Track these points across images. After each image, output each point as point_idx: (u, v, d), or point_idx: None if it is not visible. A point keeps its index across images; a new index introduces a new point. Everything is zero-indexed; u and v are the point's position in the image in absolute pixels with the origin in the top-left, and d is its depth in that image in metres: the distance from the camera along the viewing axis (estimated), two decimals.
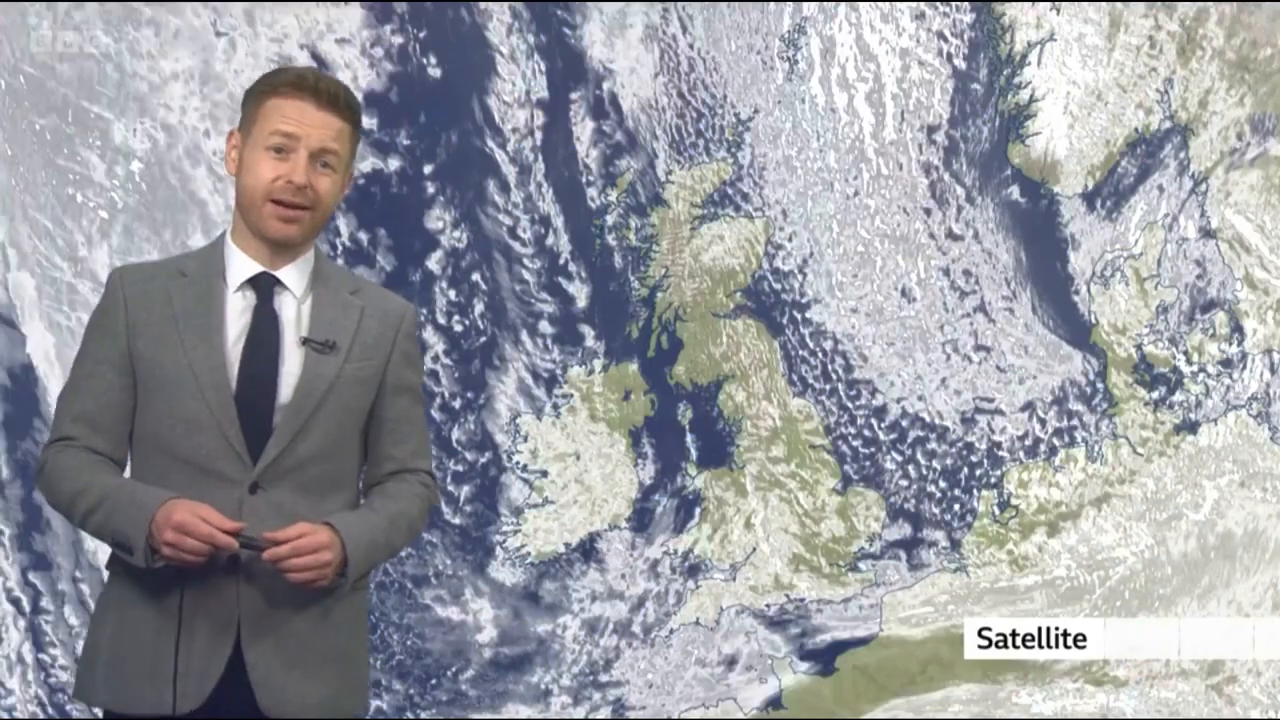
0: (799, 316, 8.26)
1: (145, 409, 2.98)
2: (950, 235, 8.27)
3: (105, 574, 3.16)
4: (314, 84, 3.02)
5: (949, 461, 8.26)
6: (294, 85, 3.01)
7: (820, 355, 8.26)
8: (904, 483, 8.27)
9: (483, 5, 7.90)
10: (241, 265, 3.04)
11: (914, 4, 8.16)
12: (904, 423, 8.29)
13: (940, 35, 8.20)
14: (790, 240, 8.23)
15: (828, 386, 8.26)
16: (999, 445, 8.28)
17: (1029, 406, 8.27)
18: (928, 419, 8.29)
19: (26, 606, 7.37)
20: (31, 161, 7.30)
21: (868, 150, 8.25)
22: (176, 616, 2.93)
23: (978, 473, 8.27)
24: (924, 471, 8.27)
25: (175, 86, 7.49)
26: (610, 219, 8.14)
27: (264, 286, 3.05)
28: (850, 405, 8.27)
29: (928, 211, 8.30)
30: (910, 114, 8.24)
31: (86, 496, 2.90)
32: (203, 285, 3.01)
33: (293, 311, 3.06)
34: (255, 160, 3.00)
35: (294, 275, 3.09)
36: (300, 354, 3.03)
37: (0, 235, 7.23)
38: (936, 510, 8.24)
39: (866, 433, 8.28)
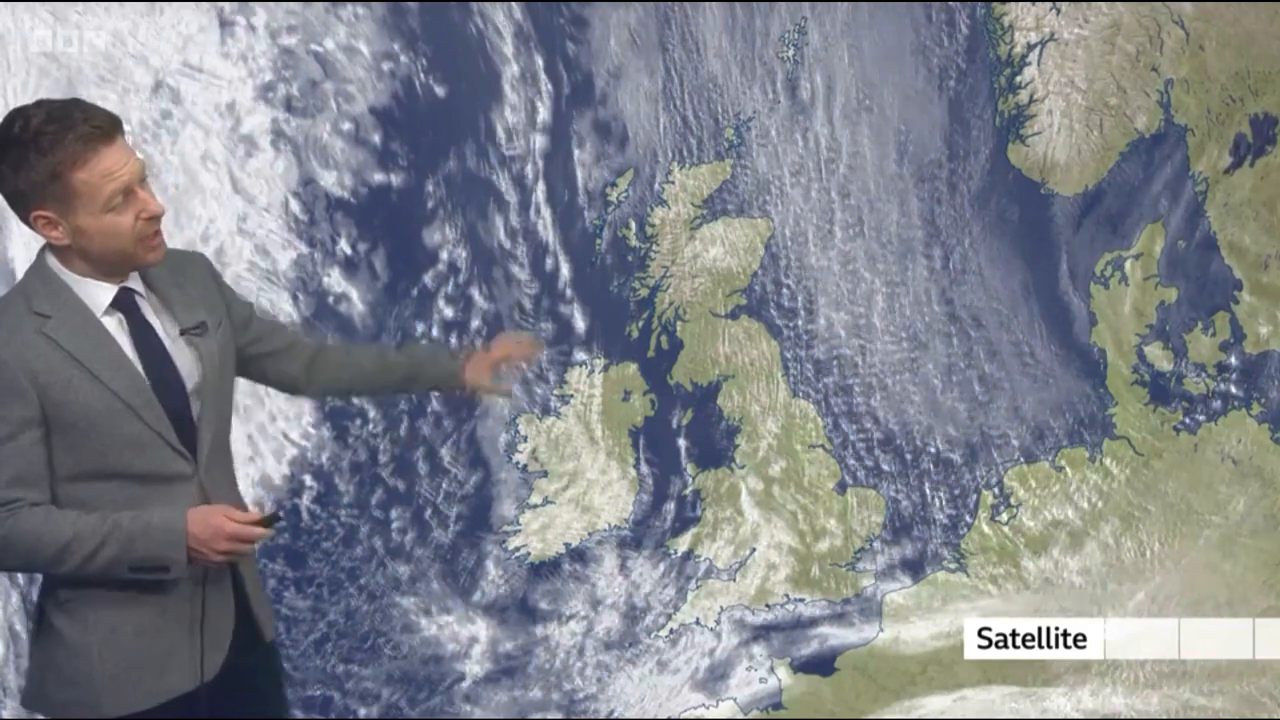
0: (803, 354, 8.29)
1: (76, 448, 3.03)
2: (952, 270, 8.30)
3: (35, 605, 3.25)
4: (93, 125, 2.96)
5: (952, 486, 8.27)
6: (83, 141, 2.93)
7: (823, 387, 8.30)
8: (905, 504, 8.28)
9: (487, 14, 7.93)
10: (97, 291, 3.08)
11: (915, 40, 8.19)
12: (908, 452, 8.30)
13: (941, 70, 8.23)
14: (795, 283, 8.26)
15: (829, 420, 8.28)
16: (1004, 461, 8.29)
17: (1037, 427, 8.29)
18: (933, 447, 8.31)
19: (21, 578, 7.38)
20: None
21: (870, 185, 8.28)
22: (196, 593, 3.14)
23: (980, 485, 8.27)
24: (926, 494, 8.28)
25: (178, 76, 7.52)
26: (610, 219, 8.17)
27: (125, 302, 3.11)
28: (852, 433, 8.29)
29: (928, 248, 8.34)
30: (913, 150, 8.27)
31: (83, 542, 2.95)
32: (77, 320, 3.04)
33: (150, 311, 3.16)
34: (104, 224, 3.00)
35: (136, 279, 3.16)
36: (181, 344, 3.16)
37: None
38: (940, 532, 8.24)
39: (869, 463, 8.29)
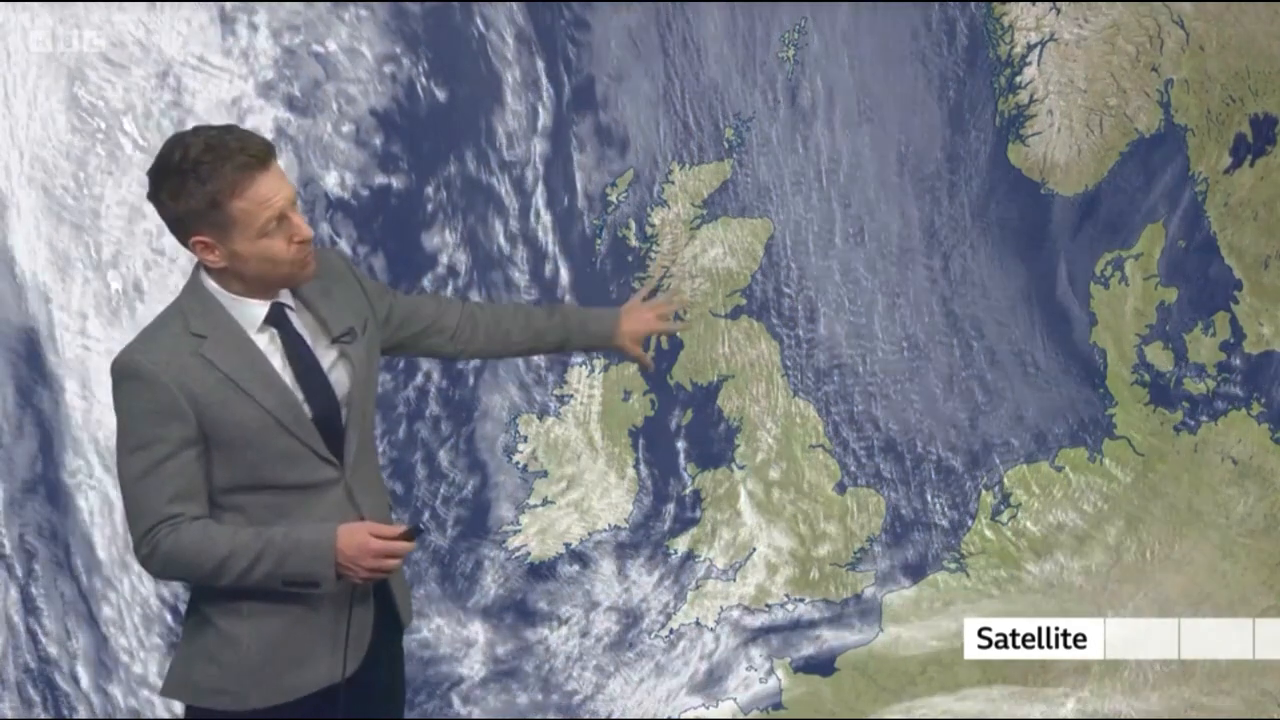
0: (803, 359, 8.29)
1: (231, 463, 3.17)
2: (952, 273, 8.31)
3: (186, 602, 3.43)
4: (250, 154, 3.04)
5: (951, 486, 8.27)
6: (241, 170, 3.02)
7: (823, 395, 8.30)
8: (905, 505, 8.28)
9: (489, 18, 7.95)
10: (252, 309, 3.19)
11: (915, 45, 8.21)
12: (909, 458, 8.30)
13: (941, 72, 8.25)
14: (796, 290, 8.27)
15: (830, 425, 8.29)
16: (1004, 463, 8.29)
17: (1038, 429, 8.29)
18: (934, 450, 8.31)
19: (19, 572, 7.38)
20: (44, 109, 7.36)
21: (870, 189, 8.30)
22: (342, 612, 3.28)
23: (981, 486, 8.27)
24: (927, 497, 8.28)
25: (178, 74, 7.54)
26: (610, 220, 8.18)
27: (278, 317, 3.21)
28: (853, 439, 8.30)
29: (929, 259, 8.35)
30: (913, 154, 8.29)
31: (239, 558, 3.10)
32: (231, 340, 3.15)
33: (300, 323, 3.25)
34: (261, 248, 3.09)
35: (287, 293, 3.26)
36: (332, 352, 3.26)
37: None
38: (940, 534, 8.24)
39: (869, 466, 8.29)
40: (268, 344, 3.18)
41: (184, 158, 3.01)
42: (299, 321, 3.23)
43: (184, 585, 7.22)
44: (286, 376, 3.16)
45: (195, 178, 3.00)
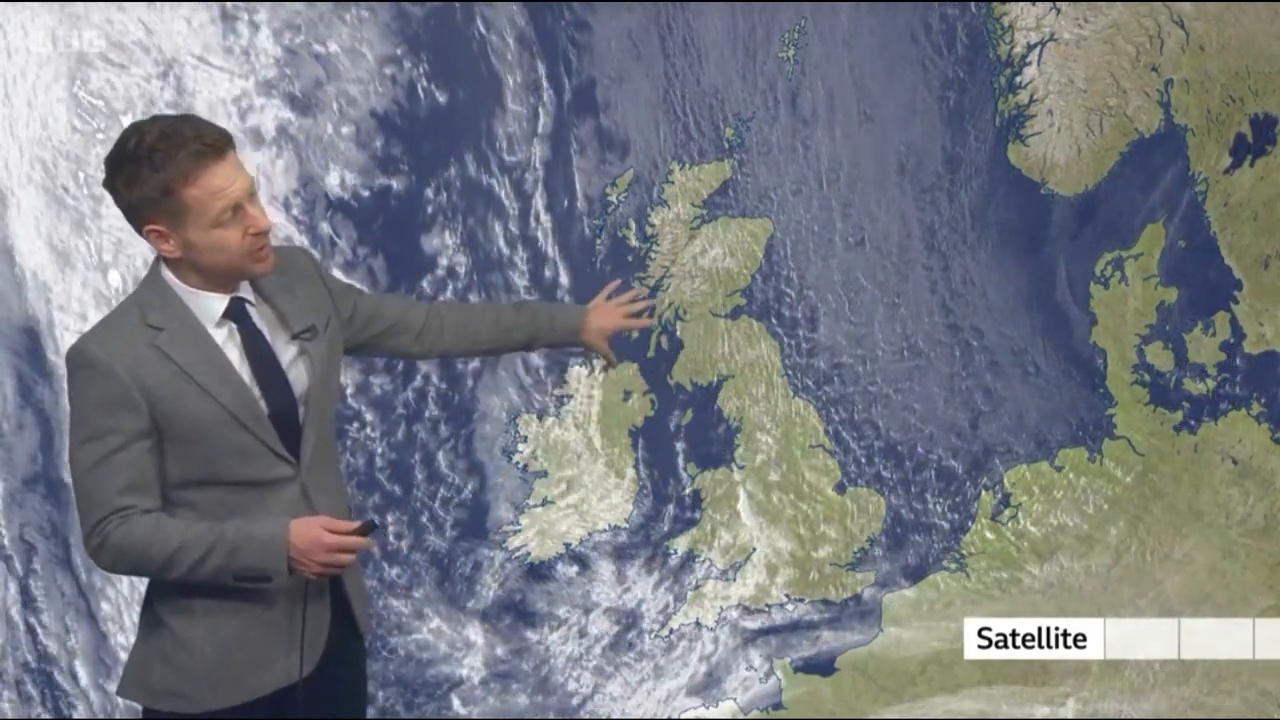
0: (804, 363, 8.29)
1: (184, 457, 3.14)
2: (952, 273, 8.32)
3: (144, 598, 3.38)
4: (205, 143, 3.02)
5: (949, 484, 8.27)
6: (194, 158, 3.00)
7: (824, 396, 8.30)
8: (906, 506, 8.28)
9: (490, 20, 7.97)
10: (210, 302, 3.16)
11: (915, 47, 8.21)
12: (909, 460, 8.30)
13: (941, 73, 8.25)
14: (798, 294, 8.28)
15: (831, 429, 8.29)
16: (1004, 465, 8.28)
17: (1037, 430, 8.29)
18: (936, 458, 8.31)
19: (19, 568, 7.38)
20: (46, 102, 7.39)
21: (870, 191, 8.31)
22: (296, 607, 3.24)
23: (981, 487, 8.27)
24: (927, 499, 8.28)
25: (178, 71, 7.56)
26: (610, 220, 8.18)
27: (237, 312, 3.18)
28: (852, 440, 8.30)
29: (928, 261, 8.35)
30: (914, 156, 8.29)
31: (190, 550, 3.07)
32: (188, 333, 3.13)
33: (261, 319, 3.23)
34: (215, 238, 3.07)
35: (248, 288, 3.23)
36: (292, 349, 3.23)
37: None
38: (940, 536, 8.24)
39: (869, 470, 8.29)
40: (225, 338, 3.15)
41: (139, 145, 2.99)
42: (259, 317, 3.21)
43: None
44: (244, 372, 3.14)
45: (149, 165, 2.98)
